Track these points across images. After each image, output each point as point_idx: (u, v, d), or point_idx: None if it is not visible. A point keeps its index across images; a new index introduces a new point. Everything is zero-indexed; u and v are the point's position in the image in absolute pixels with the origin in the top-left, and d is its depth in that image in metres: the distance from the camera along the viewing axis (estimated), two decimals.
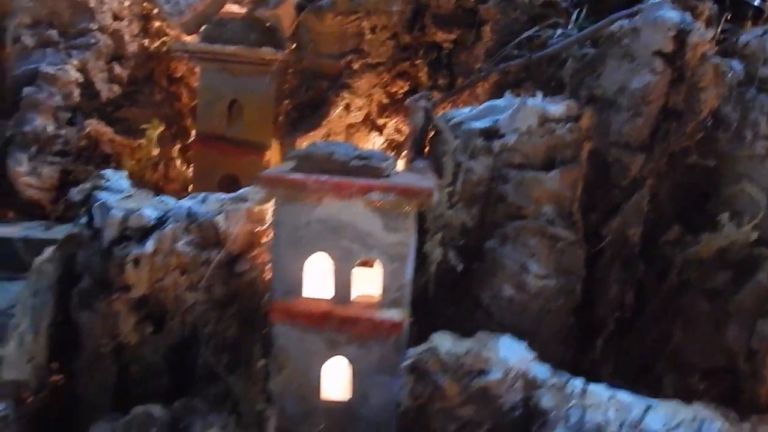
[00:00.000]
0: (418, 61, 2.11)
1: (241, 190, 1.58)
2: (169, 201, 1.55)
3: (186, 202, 1.50)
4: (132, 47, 2.24)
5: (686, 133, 1.50)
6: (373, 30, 2.01)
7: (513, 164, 1.49)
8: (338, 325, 1.38)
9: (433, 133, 1.68)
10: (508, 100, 1.60)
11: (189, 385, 1.49)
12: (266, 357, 1.43)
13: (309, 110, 2.12)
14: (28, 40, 2.06)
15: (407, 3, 2.03)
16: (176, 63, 2.30)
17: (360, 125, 2.19)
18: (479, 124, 1.56)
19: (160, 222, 1.46)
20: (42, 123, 2.02)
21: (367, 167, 1.40)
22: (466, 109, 1.66)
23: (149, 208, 1.46)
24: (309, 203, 1.36)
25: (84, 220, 1.54)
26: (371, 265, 1.42)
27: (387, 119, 2.19)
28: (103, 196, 1.54)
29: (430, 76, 2.10)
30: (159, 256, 1.44)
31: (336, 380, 1.45)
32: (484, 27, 2.04)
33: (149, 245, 1.43)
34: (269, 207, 1.54)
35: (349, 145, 1.48)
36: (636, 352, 1.59)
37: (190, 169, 2.31)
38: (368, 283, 1.42)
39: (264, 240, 1.53)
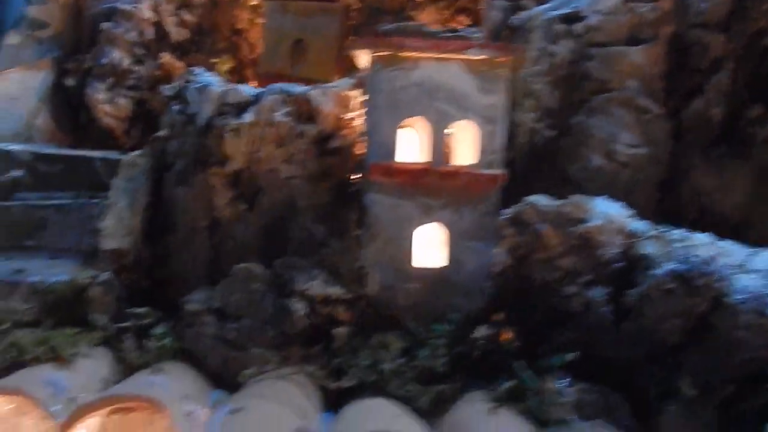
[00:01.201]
0: None
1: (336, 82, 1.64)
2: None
3: (275, 84, 1.56)
4: None
5: (764, 13, 1.55)
6: None
7: (597, 43, 1.55)
8: (437, 182, 1.41)
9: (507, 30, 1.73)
10: None
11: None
12: (360, 227, 1.46)
13: None
14: None
15: None
16: (239, 13, 2.38)
17: None
18: (558, 12, 1.63)
19: (257, 98, 1.51)
20: (118, 56, 2.10)
21: (459, 36, 1.46)
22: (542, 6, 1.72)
23: (247, 87, 1.52)
24: (406, 67, 1.42)
25: (177, 107, 1.59)
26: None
27: None
28: (197, 86, 1.60)
29: None
30: (257, 127, 1.48)
31: (428, 248, 1.47)
32: None
33: (248, 115, 1.48)
34: (356, 94, 1.60)
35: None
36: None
37: None
38: (462, 148, 1.46)
39: (353, 122, 1.57)
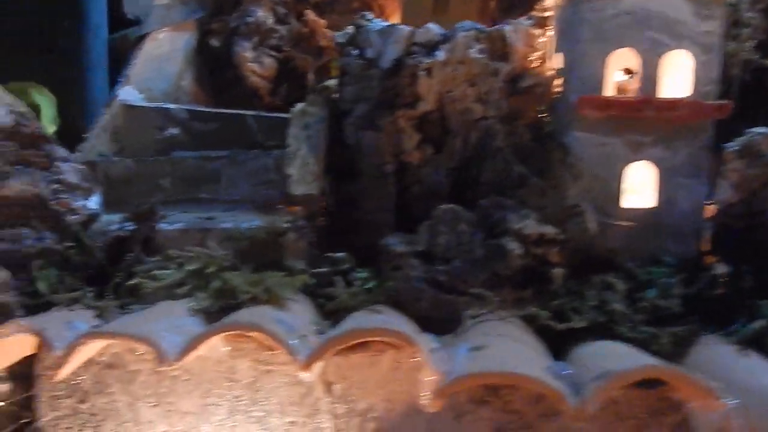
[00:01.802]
0: None
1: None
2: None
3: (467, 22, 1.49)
4: None
5: None
6: None
7: None
8: (652, 115, 1.32)
9: None
10: None
11: (471, 205, 1.43)
12: (561, 167, 1.38)
13: None
14: None
15: None
16: None
17: None
18: None
19: (447, 37, 1.44)
20: (263, 15, 2.07)
21: None
22: None
23: (435, 26, 1.45)
24: None
25: (355, 52, 1.54)
26: None
27: None
28: (372, 32, 1.54)
29: None
30: (449, 66, 1.41)
31: (637, 187, 1.38)
32: None
33: (440, 53, 1.41)
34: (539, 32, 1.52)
35: None
36: None
37: None
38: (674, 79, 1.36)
39: (541, 61, 1.49)
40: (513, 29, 1.45)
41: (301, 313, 1.22)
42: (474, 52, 1.41)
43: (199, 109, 1.88)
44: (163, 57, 1.99)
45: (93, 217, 1.35)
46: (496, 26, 1.45)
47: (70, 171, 1.30)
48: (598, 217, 1.35)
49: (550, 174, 1.39)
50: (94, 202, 1.35)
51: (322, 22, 2.13)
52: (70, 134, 2.40)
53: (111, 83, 2.56)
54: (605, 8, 1.34)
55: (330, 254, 1.35)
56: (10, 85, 2.44)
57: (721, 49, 1.33)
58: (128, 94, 1.87)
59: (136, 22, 2.85)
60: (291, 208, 1.43)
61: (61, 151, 1.30)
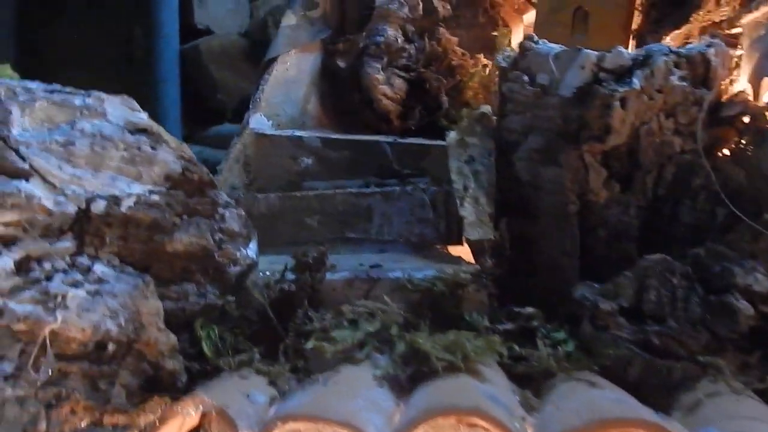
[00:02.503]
0: None
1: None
2: None
3: (655, 45, 1.33)
4: None
5: None
6: None
7: None
8: None
9: None
10: None
11: (664, 249, 1.27)
12: None
13: (671, 7, 1.92)
14: None
15: None
16: None
17: (715, 26, 1.97)
18: None
19: (642, 61, 1.28)
20: (393, 34, 1.94)
21: None
22: None
23: (623, 50, 1.29)
24: None
25: (523, 79, 1.39)
26: None
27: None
28: (540, 55, 1.40)
29: None
30: (646, 95, 1.25)
31: None
32: None
33: (637, 80, 1.25)
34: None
35: None
36: None
37: None
38: None
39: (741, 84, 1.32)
40: (714, 52, 1.27)
41: (497, 381, 1.08)
42: (675, 79, 1.25)
43: (332, 136, 1.77)
44: (290, 80, 1.89)
45: (252, 266, 1.24)
46: (697, 48, 1.28)
47: (232, 218, 1.19)
48: None
49: (763, 216, 1.21)
50: (253, 250, 1.24)
51: (455, 39, 2.00)
52: None
53: (183, 94, 2.52)
54: None
55: (516, 308, 1.20)
56: None
57: None
58: (258, 122, 1.77)
59: (207, 32, 2.80)
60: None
61: (223, 197, 1.19)
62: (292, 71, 1.90)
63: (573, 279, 1.27)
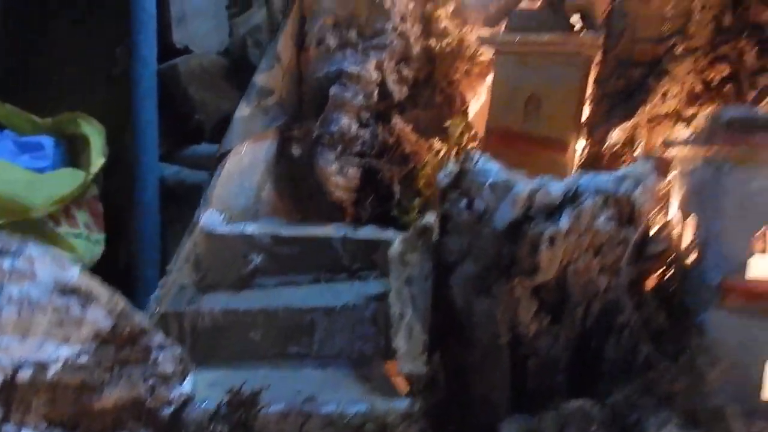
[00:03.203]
0: (741, 44, 1.92)
1: (625, 169, 1.43)
2: (548, 180, 1.41)
3: (585, 178, 1.36)
4: (416, 49, 2.16)
5: None
6: (702, 8, 1.85)
7: None
8: None
9: None
10: None
11: (590, 382, 1.31)
12: (695, 350, 1.25)
13: (620, 99, 1.96)
14: (331, 41, 2.02)
15: None
16: (458, 65, 2.21)
17: (662, 118, 2.02)
18: None
19: (566, 199, 1.32)
20: (347, 122, 1.97)
21: None
22: None
23: (554, 185, 1.33)
24: (763, 167, 1.19)
25: (461, 204, 1.43)
26: None
27: (697, 108, 2.00)
28: (479, 177, 1.43)
29: (758, 56, 1.91)
30: (574, 235, 1.29)
31: None
32: None
33: (564, 221, 1.29)
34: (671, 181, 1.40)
35: None
36: None
37: None
38: None
39: (669, 221, 1.36)
40: (641, 191, 1.31)
41: None
42: (601, 222, 1.29)
43: (282, 234, 1.80)
44: (244, 170, 1.91)
45: (188, 401, 1.26)
46: (624, 188, 1.31)
47: (166, 360, 1.22)
48: (738, 407, 1.22)
49: (683, 358, 1.25)
50: (188, 385, 1.26)
51: (408, 129, 2.03)
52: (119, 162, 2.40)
53: (161, 113, 2.54)
54: (752, 179, 1.20)
55: None
56: (62, 117, 2.44)
57: None
58: (209, 218, 1.79)
59: (186, 51, 2.81)
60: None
61: (157, 339, 1.22)
62: (246, 161, 1.92)
63: (503, 413, 1.30)
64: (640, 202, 1.31)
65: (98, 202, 2.37)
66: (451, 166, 1.50)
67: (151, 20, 2.57)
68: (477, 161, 1.48)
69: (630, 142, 2.00)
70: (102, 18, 2.69)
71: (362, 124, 2.02)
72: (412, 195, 2.00)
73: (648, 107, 1.95)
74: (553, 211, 1.31)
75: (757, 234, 1.20)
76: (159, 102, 2.59)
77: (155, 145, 2.57)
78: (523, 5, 2.05)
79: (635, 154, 2.02)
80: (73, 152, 2.48)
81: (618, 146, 1.99)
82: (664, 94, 1.94)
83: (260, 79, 1.97)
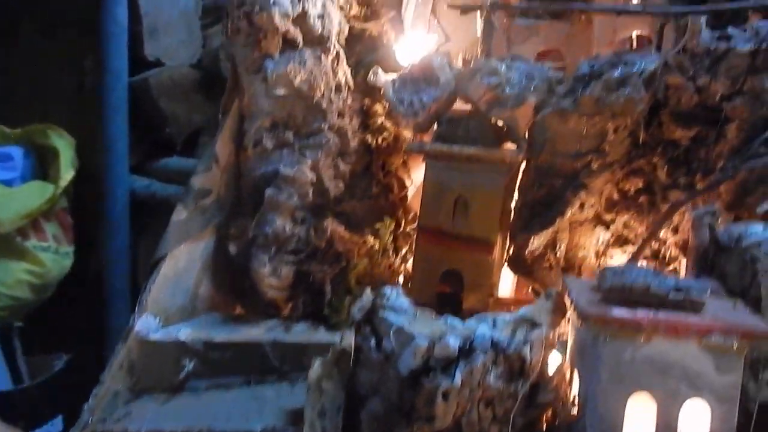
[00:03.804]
0: (655, 159, 2.05)
1: (526, 309, 1.55)
2: (457, 324, 1.52)
3: (482, 328, 1.47)
4: (353, 143, 2.26)
5: None
6: (616, 131, 1.97)
7: None
8: None
9: (716, 250, 1.62)
10: None
11: None
12: None
13: (541, 207, 2.09)
14: (267, 142, 2.11)
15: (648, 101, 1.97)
16: (393, 159, 2.32)
17: (583, 221, 2.15)
18: None
19: (463, 352, 1.43)
20: (281, 223, 2.05)
21: (687, 301, 1.35)
22: (756, 227, 1.60)
23: (452, 337, 1.44)
24: (635, 341, 1.32)
25: (371, 342, 1.54)
26: None
27: (615, 215, 2.14)
28: (389, 316, 1.54)
29: (669, 173, 2.04)
30: (466, 388, 1.41)
31: None
32: (729, 125, 1.97)
33: (458, 376, 1.40)
34: (563, 332, 1.52)
35: (657, 273, 1.43)
36: None
37: (408, 260, 2.31)
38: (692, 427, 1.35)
39: (560, 367, 1.49)
40: (530, 345, 1.43)
41: None
42: (492, 378, 1.41)
43: (215, 340, 1.89)
44: (179, 272, 2.00)
45: None
46: (516, 343, 1.43)
47: None
48: None
49: None
50: None
51: (341, 229, 2.13)
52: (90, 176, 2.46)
53: (133, 126, 2.59)
54: (624, 351, 1.32)
55: None
56: (31, 127, 2.50)
57: (737, 400, 1.31)
58: (144, 324, 1.87)
59: (158, 64, 2.85)
60: None
61: None
62: (183, 262, 2.00)
63: None
64: (532, 355, 1.43)
65: (68, 214, 2.46)
66: (366, 299, 1.60)
67: (122, 33, 2.62)
68: (389, 298, 1.59)
69: (552, 244, 2.14)
70: (72, 29, 2.74)
71: (297, 223, 2.11)
72: (344, 292, 2.11)
73: (567, 217, 2.07)
74: (450, 363, 1.43)
75: (629, 397, 1.33)
76: (130, 114, 2.65)
77: (125, 158, 2.63)
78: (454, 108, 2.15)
79: (557, 256, 2.17)
80: (42, 163, 2.53)
81: (540, 249, 2.12)
82: (582, 205, 2.07)
83: (197, 181, 2.05)
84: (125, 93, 2.60)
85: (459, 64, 2.64)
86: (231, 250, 2.09)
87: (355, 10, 2.41)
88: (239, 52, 2.12)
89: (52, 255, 2.36)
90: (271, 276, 2.03)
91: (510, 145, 2.05)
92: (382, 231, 2.13)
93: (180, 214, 2.00)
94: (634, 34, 2.55)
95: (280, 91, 2.08)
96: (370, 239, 2.19)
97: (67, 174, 2.38)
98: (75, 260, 2.44)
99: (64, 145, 2.45)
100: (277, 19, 2.04)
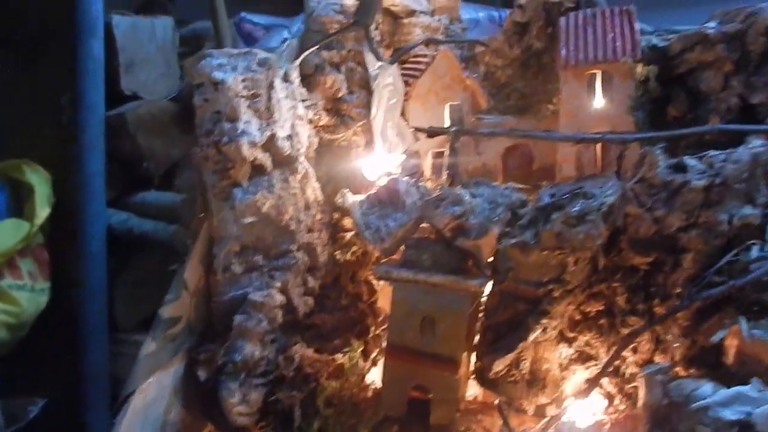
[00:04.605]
0: (614, 284, 2.12)
1: None
2: None
3: None
4: (323, 257, 2.30)
5: None
6: (576, 262, 2.03)
7: None
8: None
9: (668, 407, 1.68)
10: (755, 388, 1.59)
11: None
12: None
13: (506, 329, 2.14)
14: (236, 267, 2.14)
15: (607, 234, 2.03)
16: (362, 272, 2.36)
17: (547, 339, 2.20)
18: (729, 414, 1.55)
19: None
20: (251, 350, 2.08)
21: None
22: (705, 387, 1.66)
23: None
24: None
25: None
26: None
27: (577, 333, 2.20)
28: None
29: (628, 299, 2.10)
30: None
31: None
32: (685, 255, 2.03)
33: None
34: None
35: None
36: None
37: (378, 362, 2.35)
38: None
39: None
40: None
41: None
42: None
43: None
44: (148, 404, 2.02)
45: None
46: None
47: None
48: None
49: None
50: None
51: (309, 353, 2.17)
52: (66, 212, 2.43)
53: (110, 160, 2.56)
54: None
55: None
56: (6, 163, 2.46)
57: None
58: None
59: (134, 97, 2.84)
60: None
61: None
62: (152, 394, 2.02)
63: None
64: None
65: (44, 250, 2.42)
66: None
67: (99, 67, 2.60)
68: None
69: (516, 362, 2.19)
70: (48, 64, 2.72)
71: (267, 345, 2.14)
72: (314, 415, 2.15)
73: (530, 340, 2.13)
74: None
75: None
76: (107, 149, 2.62)
77: (102, 194, 2.61)
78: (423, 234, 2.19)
79: (522, 371, 2.22)
80: (17, 200, 2.50)
81: (504, 369, 2.18)
82: (545, 329, 2.13)
83: (166, 311, 2.08)
84: (102, 128, 2.56)
85: (428, 162, 2.70)
86: (200, 375, 2.11)
87: (325, 120, 2.45)
88: (208, 177, 2.15)
89: (28, 293, 2.31)
90: (240, 404, 2.06)
91: (475, 275, 2.09)
92: (351, 355, 2.17)
93: (149, 347, 2.02)
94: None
95: (249, 219, 2.11)
96: (339, 357, 2.23)
97: (42, 211, 2.33)
98: (51, 298, 2.39)
99: (39, 181, 2.40)
100: (245, 149, 2.07)
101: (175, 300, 2.09)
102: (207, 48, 3.73)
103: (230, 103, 2.07)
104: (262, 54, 2.19)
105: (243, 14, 4.42)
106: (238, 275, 2.14)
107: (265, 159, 2.15)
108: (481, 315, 2.21)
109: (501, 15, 4.12)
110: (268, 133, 2.15)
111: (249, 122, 2.10)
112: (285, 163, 2.22)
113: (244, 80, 2.10)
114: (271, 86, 2.18)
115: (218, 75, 2.07)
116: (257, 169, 2.15)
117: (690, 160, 2.08)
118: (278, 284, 2.16)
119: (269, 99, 2.16)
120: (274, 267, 2.18)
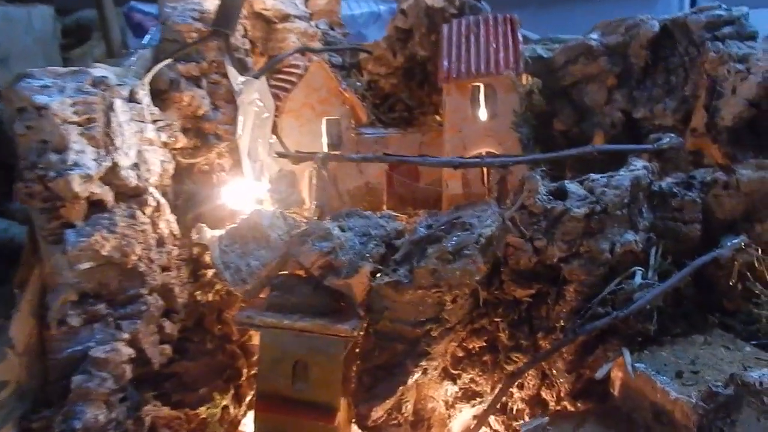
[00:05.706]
0: (497, 319, 1.99)
1: None
2: None
3: None
4: (182, 298, 2.06)
5: None
6: (454, 300, 1.88)
7: None
8: None
9: None
10: None
11: None
12: None
13: (383, 373, 1.97)
14: (74, 319, 1.85)
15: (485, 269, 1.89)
16: (226, 312, 2.14)
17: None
18: None
19: None
20: (93, 414, 1.81)
21: None
22: None
23: None
24: None
25: None
26: None
27: (461, 371, 2.06)
28: None
29: (511, 334, 1.98)
30: None
31: None
32: (568, 286, 1.92)
33: None
34: None
35: None
36: None
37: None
38: None
39: None
40: None
41: None
42: None
43: None
44: None
45: None
46: None
47: None
48: None
49: None
50: None
51: (165, 411, 1.93)
52: None
53: None
54: None
55: None
56: None
57: None
58: None
59: None
60: None
61: None
62: None
63: None
64: None
65: None
66: None
67: None
68: None
69: (398, 406, 2.03)
70: None
71: (115, 406, 1.88)
72: None
73: (410, 383, 1.97)
74: None
75: None
76: None
77: None
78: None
79: (404, 414, 2.06)
80: None
81: (385, 415, 2.01)
82: (425, 370, 1.97)
83: None
84: None
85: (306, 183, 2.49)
86: None
87: (183, 142, 2.20)
88: (36, 217, 1.86)
89: None
90: None
91: (347, 317, 1.91)
92: (211, 411, 1.95)
93: None
94: (484, 151, 2.47)
95: (86, 265, 1.83)
96: (203, 410, 2.00)
97: None
98: None
99: None
100: (77, 184, 1.80)
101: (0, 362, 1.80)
102: (93, 40, 3.42)
103: (57, 131, 1.78)
104: (97, 72, 1.91)
105: (133, 3, 4.05)
106: (76, 328, 1.86)
107: (104, 193, 1.87)
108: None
109: None
110: (108, 164, 1.88)
111: (82, 152, 1.82)
112: (131, 195, 1.95)
113: (74, 104, 1.82)
114: (110, 108, 1.90)
115: (41, 99, 1.77)
116: (96, 206, 1.87)
117: (571, 185, 1.97)
118: (126, 335, 1.90)
119: (108, 124, 1.88)
120: (121, 316, 1.91)
